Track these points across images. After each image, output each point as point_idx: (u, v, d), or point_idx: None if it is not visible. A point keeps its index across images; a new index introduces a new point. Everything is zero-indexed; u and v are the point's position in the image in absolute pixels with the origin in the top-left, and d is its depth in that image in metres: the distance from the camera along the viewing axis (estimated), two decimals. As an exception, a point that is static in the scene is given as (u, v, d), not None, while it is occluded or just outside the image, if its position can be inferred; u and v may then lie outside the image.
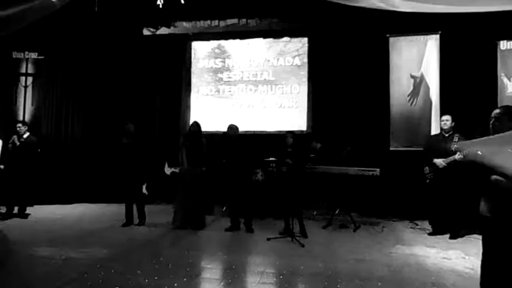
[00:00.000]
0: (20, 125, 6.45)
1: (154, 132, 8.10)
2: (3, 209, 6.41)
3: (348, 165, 6.04)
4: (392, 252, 4.65)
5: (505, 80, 6.40)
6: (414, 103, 6.69)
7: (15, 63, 7.89)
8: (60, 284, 3.35)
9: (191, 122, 7.92)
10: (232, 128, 5.70)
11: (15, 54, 7.86)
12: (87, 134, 8.00)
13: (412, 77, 6.74)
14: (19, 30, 5.84)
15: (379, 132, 6.84)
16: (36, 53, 7.89)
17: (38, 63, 7.94)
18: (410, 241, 5.19)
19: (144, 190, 6.62)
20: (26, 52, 7.88)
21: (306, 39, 7.87)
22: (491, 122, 2.82)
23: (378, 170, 5.85)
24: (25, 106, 7.83)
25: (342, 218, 6.20)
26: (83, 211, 7.09)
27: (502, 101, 6.32)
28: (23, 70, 7.90)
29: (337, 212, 6.25)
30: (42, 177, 7.15)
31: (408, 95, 6.74)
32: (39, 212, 6.76)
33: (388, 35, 6.84)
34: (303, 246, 4.78)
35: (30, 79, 7.92)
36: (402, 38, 6.85)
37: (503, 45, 6.42)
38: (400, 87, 6.79)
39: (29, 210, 6.57)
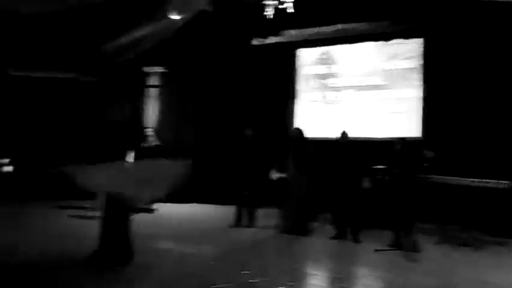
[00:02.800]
0: (149, 129, 7.39)
1: (263, 139, 8.40)
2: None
3: (471, 175, 5.44)
4: (524, 278, 4.04)
5: None
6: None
7: (144, 76, 9.00)
8: (178, 275, 3.70)
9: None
10: (344, 134, 5.63)
11: (145, 69, 8.97)
12: (202, 140, 8.70)
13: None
14: (148, 48, 6.68)
15: (509, 140, 6.02)
16: (162, 67, 8.89)
17: (163, 76, 8.94)
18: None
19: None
20: (154, 67, 8.94)
21: (420, 40, 7.32)
22: None
23: (508, 182, 5.15)
24: (151, 115, 8.88)
25: (461, 235, 5.60)
26: (198, 211, 7.72)
27: None
28: (151, 82, 8.99)
29: (455, 227, 5.67)
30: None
31: (548, 97, 5.81)
32: (161, 209, 7.55)
33: (520, 29, 6.01)
34: (415, 261, 4.46)
35: (156, 90, 8.97)
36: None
37: None
38: (536, 88, 5.90)
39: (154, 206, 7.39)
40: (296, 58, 8.45)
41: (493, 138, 6.21)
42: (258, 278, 3.68)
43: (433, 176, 5.62)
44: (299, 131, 5.91)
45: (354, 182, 5.57)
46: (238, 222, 6.13)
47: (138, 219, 6.61)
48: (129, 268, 3.85)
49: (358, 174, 5.65)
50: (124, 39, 6.45)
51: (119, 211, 3.90)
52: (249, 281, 3.62)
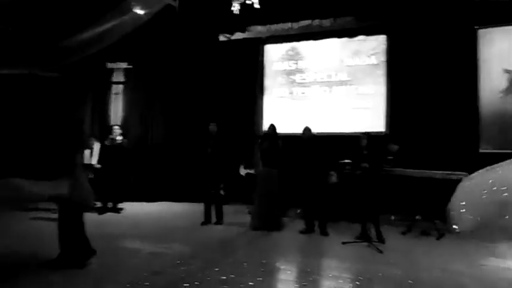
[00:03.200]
0: (116, 127, 7.17)
1: (230, 135, 8.38)
2: (99, 204, 7.10)
3: (432, 168, 5.66)
4: (483, 264, 4.25)
5: None
6: (508, 100, 6.06)
7: (108, 72, 8.73)
8: (147, 275, 3.62)
9: (265, 124, 8.13)
10: (307, 130, 5.68)
11: (109, 65, 8.69)
12: (169, 136, 8.56)
13: (507, 71, 6.12)
14: (112, 43, 6.46)
15: (466, 133, 6.31)
16: (126, 63, 8.65)
17: (127, 72, 8.70)
18: (506, 253, 4.69)
19: (221, 191, 6.86)
20: (118, 62, 8.68)
21: (383, 37, 7.53)
22: None
23: (466, 173, 5.38)
24: (116, 111, 8.63)
25: (424, 225, 5.82)
26: (166, 209, 7.59)
27: None
28: (115, 79, 8.72)
29: (418, 217, 5.88)
30: (131, 176, 7.81)
31: (501, 91, 6.13)
32: (128, 208, 7.38)
33: (476, 27, 6.29)
34: (380, 252, 4.59)
35: (120, 87, 8.72)
36: (493, 29, 6.27)
37: None
38: (491, 83, 6.21)
39: (119, 206, 7.21)
40: (263, 54, 8.47)
41: (452, 131, 6.47)
42: (227, 275, 3.66)
43: (397, 168, 5.80)
44: (273, 127, 5.92)
45: (321, 176, 5.66)
46: (207, 220, 6.08)
47: (106, 219, 6.47)
48: (97, 268, 3.74)
49: (324, 169, 5.75)
50: (86, 34, 6.21)
51: (72, 212, 3.76)
52: (220, 278, 3.60)
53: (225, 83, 8.45)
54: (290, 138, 7.22)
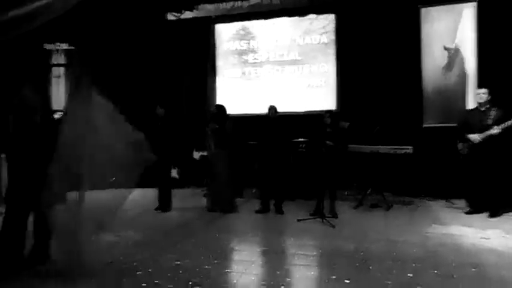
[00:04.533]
0: (59, 113, 6.71)
1: (182, 117, 8.19)
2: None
3: (380, 143, 5.88)
4: (427, 232, 4.51)
5: (549, 47, 5.96)
6: (449, 76, 6.38)
7: (47, 54, 8.13)
8: (99, 265, 3.48)
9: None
10: (272, 109, 5.67)
11: (47, 46, 8.09)
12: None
13: (446, 49, 6.41)
14: (49, 22, 5.97)
15: (411, 109, 6.60)
16: (67, 44, 8.09)
17: (69, 54, 8.15)
18: (447, 220, 5.02)
19: (175, 174, 6.73)
20: (57, 43, 8.09)
21: (332, 16, 7.60)
22: None
23: (411, 147, 5.66)
24: (58, 96, 8.10)
25: (374, 198, 6.07)
26: (116, 196, 7.31)
27: (547, 71, 5.91)
28: (55, 61, 8.15)
29: (368, 191, 6.12)
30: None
31: (442, 69, 6.43)
32: (75, 196, 7.03)
33: (419, 6, 6.50)
34: (333, 227, 4.73)
35: (62, 69, 8.17)
36: (434, 8, 6.50)
37: (547, 10, 5.95)
38: (433, 60, 6.49)
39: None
40: (215, 34, 8.27)
41: (398, 107, 6.72)
42: (182, 260, 3.61)
43: (349, 145, 5.96)
44: (219, 107, 5.83)
45: (281, 156, 5.67)
46: (161, 205, 5.95)
47: (57, 210, 6.10)
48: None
49: (284, 148, 5.76)
50: (17, 11, 5.68)
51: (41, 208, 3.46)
52: (174, 263, 3.53)
53: (175, 64, 8.18)
54: (245, 119, 7.21)
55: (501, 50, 6.08)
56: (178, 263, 3.55)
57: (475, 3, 6.26)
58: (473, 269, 3.31)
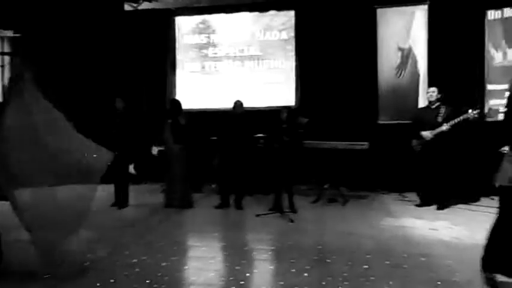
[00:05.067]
0: None
1: (141, 111, 7.95)
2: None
3: (337, 139, 6.02)
4: (381, 224, 4.69)
5: (493, 50, 6.36)
6: (402, 76, 6.65)
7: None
8: (47, 267, 3.29)
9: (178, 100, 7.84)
10: (238, 104, 5.63)
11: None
12: (68, 113, 7.76)
13: (400, 49, 6.66)
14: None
15: (367, 106, 6.79)
16: (12, 31, 7.55)
17: (14, 42, 7.62)
18: (399, 213, 5.24)
19: (132, 170, 6.51)
20: (1, 30, 7.54)
21: (292, 13, 7.65)
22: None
23: (367, 143, 5.84)
24: (2, 86, 7.56)
25: (331, 193, 6.22)
26: (68, 192, 6.96)
27: (489, 72, 6.33)
28: (-1, 49, 7.61)
29: (326, 186, 6.26)
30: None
31: (396, 68, 6.68)
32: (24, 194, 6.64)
33: (375, 6, 6.70)
34: (292, 221, 4.79)
35: (6, 58, 7.61)
36: (390, 9, 6.72)
37: (491, 14, 6.34)
38: (388, 59, 6.72)
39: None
40: (175, 27, 8.07)
41: (354, 104, 6.90)
42: (138, 257, 3.51)
43: (307, 141, 6.05)
44: (174, 102, 5.73)
45: (242, 151, 5.65)
46: (118, 201, 5.75)
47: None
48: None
49: (244, 143, 5.73)
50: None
51: None
52: (130, 261, 3.43)
53: (134, 56, 7.89)
54: (205, 114, 7.12)
55: (450, 50, 6.41)
56: (135, 260, 3.45)
57: (425, 6, 6.54)
58: (422, 259, 3.48)
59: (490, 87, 6.30)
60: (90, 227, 4.55)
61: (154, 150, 6.31)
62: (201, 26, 8.00)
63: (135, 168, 6.77)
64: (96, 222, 4.81)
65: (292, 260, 3.48)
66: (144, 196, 6.26)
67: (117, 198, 5.74)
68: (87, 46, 7.73)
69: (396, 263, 3.41)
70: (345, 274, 3.16)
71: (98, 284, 2.96)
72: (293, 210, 5.29)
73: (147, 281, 3.02)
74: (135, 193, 5.97)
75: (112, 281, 3.04)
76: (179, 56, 8.07)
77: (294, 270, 3.25)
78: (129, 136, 5.73)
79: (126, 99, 5.92)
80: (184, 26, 8.06)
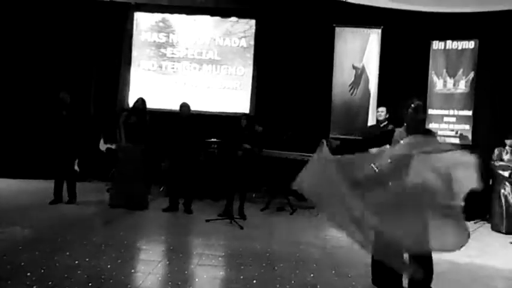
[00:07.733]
0: None
1: (89, 106, 7.58)
2: None
3: (289, 149, 6.15)
4: (326, 235, 4.84)
5: (435, 77, 6.89)
6: (354, 93, 6.98)
7: None
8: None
9: (130, 97, 7.58)
10: (185, 107, 5.53)
11: None
12: (10, 104, 7.22)
13: (354, 67, 7.00)
14: None
15: (320, 119, 7.03)
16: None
17: None
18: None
19: (76, 167, 6.18)
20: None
21: (253, 22, 7.75)
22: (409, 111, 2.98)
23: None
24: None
25: (280, 201, 6.32)
26: (4, 187, 6.46)
27: (431, 97, 6.84)
28: None
29: (276, 195, 6.34)
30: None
31: (349, 85, 7.00)
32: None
33: (334, 25, 6.99)
34: (241, 228, 4.81)
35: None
36: (347, 29, 7.06)
37: (435, 45, 6.88)
38: (342, 76, 7.03)
39: None
40: (133, 22, 7.82)
41: (308, 117, 7.10)
42: (80, 259, 3.32)
43: (264, 149, 6.12)
44: (143, 101, 5.54)
45: (193, 154, 5.57)
46: (57, 198, 5.42)
47: None
48: None
49: (197, 146, 5.66)
50: None
51: None
52: (72, 263, 3.24)
53: (87, 47, 7.52)
54: (157, 114, 6.92)
55: (398, 73, 6.83)
56: (77, 262, 3.26)
57: (379, 30, 6.95)
58: (366, 268, 3.64)
59: (430, 111, 6.80)
60: (25, 224, 4.27)
61: (103, 146, 6.05)
62: (161, 24, 7.84)
63: (78, 164, 6.44)
64: (34, 220, 4.52)
65: (241, 267, 3.49)
66: (88, 194, 5.95)
67: (57, 195, 5.42)
68: (37, 32, 7.25)
69: (341, 272, 3.54)
70: (293, 282, 3.22)
71: (34, 287, 2.76)
72: (243, 216, 5.31)
73: (90, 284, 2.87)
74: (78, 191, 5.64)
75: (50, 283, 2.85)
76: (135, 53, 7.84)
77: (242, 276, 3.26)
78: (75, 131, 5.45)
79: (73, 93, 5.62)
80: (143, 22, 7.86)
